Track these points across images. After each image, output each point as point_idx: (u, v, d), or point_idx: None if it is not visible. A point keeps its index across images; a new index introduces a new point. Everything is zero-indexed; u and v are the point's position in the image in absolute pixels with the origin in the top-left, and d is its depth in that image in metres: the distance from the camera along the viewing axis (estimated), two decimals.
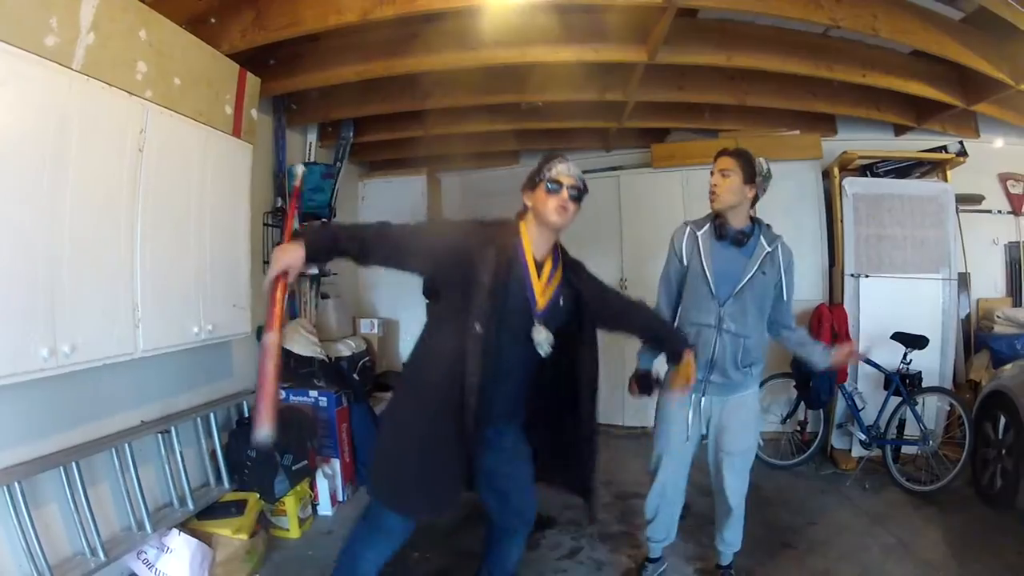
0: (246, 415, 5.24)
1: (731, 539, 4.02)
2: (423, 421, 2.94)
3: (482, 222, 3.16)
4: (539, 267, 3.06)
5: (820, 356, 3.99)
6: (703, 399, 3.82)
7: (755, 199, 3.74)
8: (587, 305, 3.18)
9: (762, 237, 3.72)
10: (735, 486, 3.87)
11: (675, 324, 3.91)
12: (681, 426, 3.84)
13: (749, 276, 3.63)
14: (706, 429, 3.91)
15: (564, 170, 3.06)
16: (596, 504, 3.54)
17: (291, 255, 2.64)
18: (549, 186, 3.02)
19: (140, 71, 3.68)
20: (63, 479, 3.54)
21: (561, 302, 3.10)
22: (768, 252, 3.68)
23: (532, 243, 3.07)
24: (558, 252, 3.20)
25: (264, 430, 2.55)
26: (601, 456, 3.36)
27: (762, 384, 6.38)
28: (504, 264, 2.90)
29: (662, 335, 3.64)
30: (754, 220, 3.79)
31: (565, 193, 3.01)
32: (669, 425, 3.90)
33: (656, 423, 4.04)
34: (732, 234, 3.68)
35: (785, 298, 3.79)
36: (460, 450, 2.92)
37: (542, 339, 2.95)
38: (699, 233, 3.78)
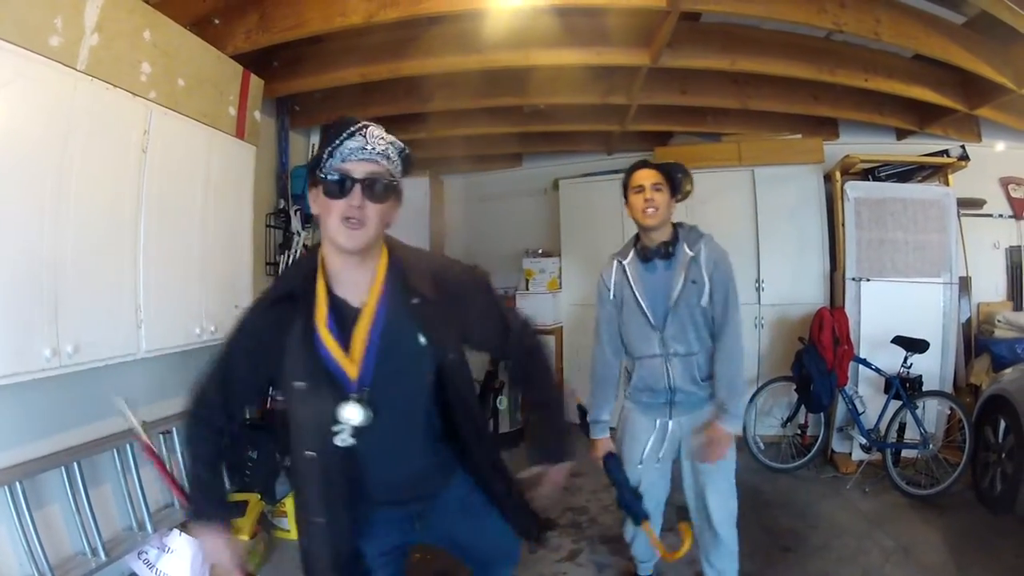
0: (248, 416, 5.22)
1: (724, 568, 3.68)
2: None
3: (275, 281, 2.42)
4: (350, 314, 2.05)
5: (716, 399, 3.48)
6: (670, 423, 3.59)
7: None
8: (435, 319, 2.13)
9: (684, 244, 3.46)
10: (721, 506, 3.55)
11: (621, 367, 3.74)
12: (650, 455, 3.62)
13: (678, 289, 3.38)
14: (677, 453, 3.67)
15: (355, 148, 1.93)
16: (533, 528, 2.53)
17: (216, 553, 2.16)
18: (329, 182, 1.92)
19: (144, 72, 3.69)
20: (64, 479, 3.56)
21: (415, 337, 2.10)
22: (691, 257, 3.41)
23: (338, 275, 2.06)
24: (381, 272, 2.10)
25: None
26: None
27: (763, 387, 6.45)
28: (301, 343, 2.02)
29: (528, 374, 2.52)
30: (675, 227, 3.57)
31: (357, 194, 1.91)
32: (637, 455, 3.64)
33: (623, 458, 3.68)
34: (656, 251, 3.48)
35: (718, 307, 3.39)
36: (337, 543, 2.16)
37: (351, 417, 2.00)
38: (625, 263, 3.60)
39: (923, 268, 6.41)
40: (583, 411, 3.81)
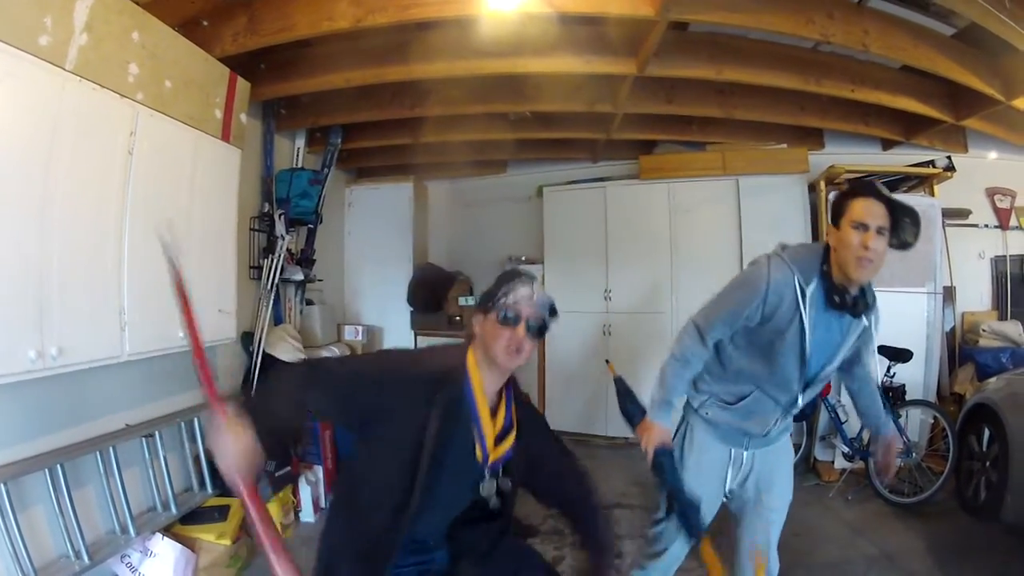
0: None
1: None
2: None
3: (426, 352, 2.58)
4: (492, 410, 2.44)
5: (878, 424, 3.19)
6: (745, 454, 3.06)
7: None
8: (527, 458, 2.53)
9: (868, 295, 2.85)
10: (774, 544, 3.12)
11: (716, 365, 3.10)
12: (716, 487, 3.09)
13: (847, 349, 2.85)
14: (738, 486, 3.13)
15: (525, 296, 2.39)
16: None
17: (239, 454, 2.05)
18: (504, 316, 2.34)
19: (132, 73, 3.69)
20: (48, 481, 3.53)
21: (514, 445, 2.47)
22: (864, 328, 2.86)
23: (483, 380, 2.41)
24: (511, 389, 2.54)
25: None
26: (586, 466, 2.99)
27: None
28: (452, 407, 2.32)
29: (589, 529, 2.71)
30: None
31: (522, 329, 2.34)
32: (702, 483, 3.02)
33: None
34: (851, 299, 2.78)
35: (860, 354, 3.05)
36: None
37: (490, 493, 2.41)
38: (808, 290, 2.74)
39: (907, 278, 6.43)
40: (622, 385, 3.28)
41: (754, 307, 2.78)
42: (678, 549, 3.19)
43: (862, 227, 2.62)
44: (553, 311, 2.46)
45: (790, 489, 3.17)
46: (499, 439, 2.42)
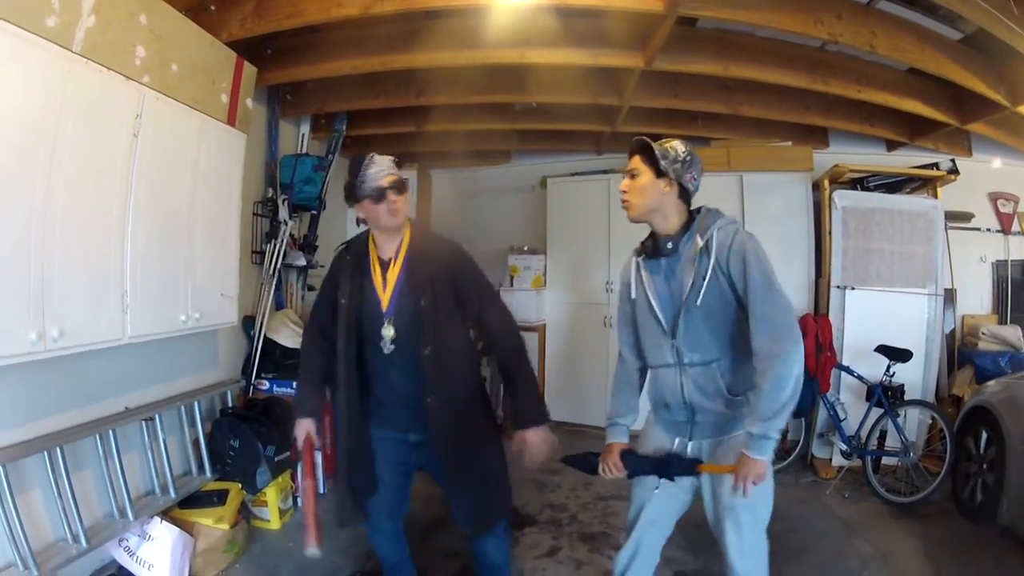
0: (230, 404, 5.25)
1: None
2: (342, 432, 3.20)
3: (346, 244, 3.34)
4: (386, 266, 3.13)
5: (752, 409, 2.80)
6: (689, 444, 2.98)
7: (684, 193, 2.91)
8: (427, 293, 3.04)
9: (697, 235, 2.86)
10: (742, 550, 2.97)
11: (645, 376, 3.23)
12: (652, 481, 3.06)
13: (690, 286, 2.79)
14: (697, 483, 3.04)
15: (376, 172, 2.98)
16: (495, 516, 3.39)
17: (297, 429, 3.27)
18: (372, 196, 2.98)
19: (139, 56, 3.67)
20: (47, 464, 3.53)
21: (409, 289, 3.07)
22: (700, 248, 2.80)
23: (379, 247, 3.16)
24: (405, 244, 3.16)
25: (313, 548, 3.20)
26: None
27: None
28: (356, 274, 3.14)
29: (510, 369, 3.27)
30: (691, 215, 2.96)
31: (392, 195, 2.98)
32: (641, 481, 3.13)
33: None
34: (659, 246, 2.92)
35: (743, 300, 2.75)
36: (363, 456, 3.25)
37: (387, 336, 3.07)
38: (640, 259, 3.05)
39: (908, 279, 6.45)
40: (568, 459, 3.26)
41: (624, 297, 3.18)
42: (650, 547, 3.25)
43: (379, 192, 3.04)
44: (398, 164, 3.06)
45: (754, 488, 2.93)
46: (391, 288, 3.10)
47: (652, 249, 2.96)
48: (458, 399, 3.15)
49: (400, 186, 3.00)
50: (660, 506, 3.11)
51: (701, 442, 2.97)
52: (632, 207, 2.95)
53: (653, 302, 2.93)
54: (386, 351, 3.06)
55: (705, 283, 2.76)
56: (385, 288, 3.08)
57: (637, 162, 2.95)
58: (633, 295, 3.05)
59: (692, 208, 2.99)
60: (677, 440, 3.01)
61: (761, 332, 2.66)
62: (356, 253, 3.18)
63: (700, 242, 2.81)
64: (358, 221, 3.13)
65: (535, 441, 3.17)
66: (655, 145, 2.89)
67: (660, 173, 2.86)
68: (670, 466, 2.95)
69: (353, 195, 3.01)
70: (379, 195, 2.94)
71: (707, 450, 2.96)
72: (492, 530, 3.37)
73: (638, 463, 3.06)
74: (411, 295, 3.05)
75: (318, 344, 3.31)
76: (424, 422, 3.09)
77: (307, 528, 3.27)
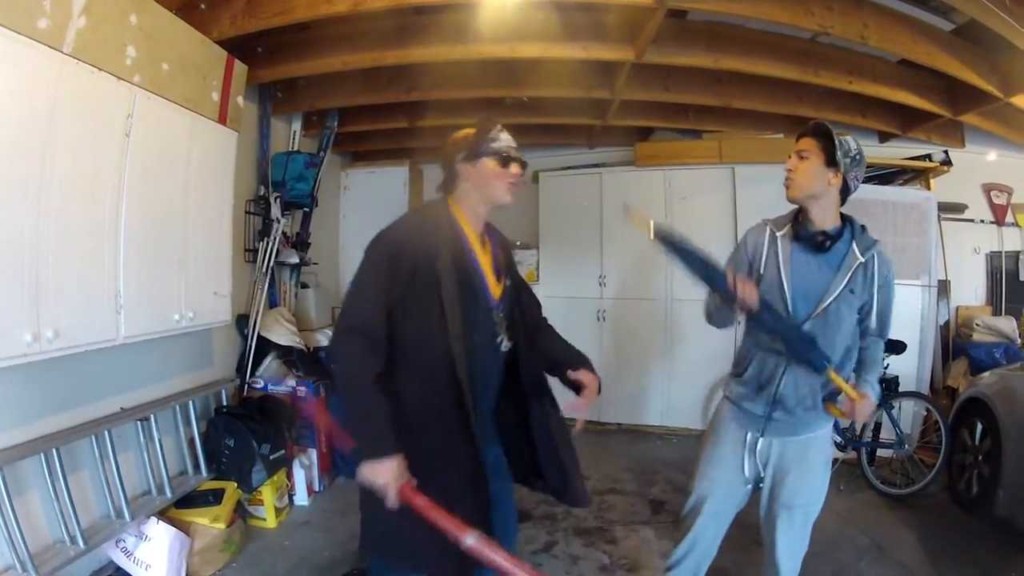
0: (224, 404, 5.26)
1: None
2: (419, 458, 2.40)
3: (403, 223, 2.72)
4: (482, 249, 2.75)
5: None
6: (760, 440, 3.03)
7: (844, 190, 2.90)
8: (516, 286, 2.87)
9: (854, 243, 2.90)
10: (790, 547, 3.07)
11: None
12: (733, 472, 3.09)
13: (836, 294, 2.84)
14: (762, 474, 3.08)
15: (509, 140, 2.71)
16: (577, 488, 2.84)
17: (389, 478, 2.26)
18: (501, 157, 2.65)
19: (129, 56, 3.66)
20: (44, 466, 3.53)
21: (508, 282, 2.79)
22: (861, 264, 2.87)
23: (471, 225, 2.71)
24: (490, 228, 2.86)
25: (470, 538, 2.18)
26: (579, 451, 3.03)
27: None
28: (457, 257, 2.57)
29: (555, 338, 3.00)
30: (845, 219, 2.98)
31: (517, 167, 2.69)
32: (718, 467, 3.13)
33: (700, 461, 3.25)
34: (811, 235, 2.91)
35: (874, 325, 2.98)
36: (474, 477, 2.55)
37: (501, 329, 2.70)
38: (779, 235, 3.02)
39: (902, 270, 6.41)
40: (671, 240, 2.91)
41: (740, 260, 3.11)
42: (708, 541, 3.21)
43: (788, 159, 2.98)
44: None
45: (814, 488, 3.03)
46: (497, 278, 2.74)
47: (806, 236, 2.93)
48: (544, 396, 2.86)
49: (523, 167, 2.74)
50: (724, 499, 3.13)
51: (772, 439, 3.03)
52: (796, 186, 2.93)
53: (785, 285, 2.91)
54: (504, 348, 2.72)
55: (853, 297, 2.87)
56: (490, 275, 2.71)
57: (810, 144, 2.92)
58: (762, 268, 3.00)
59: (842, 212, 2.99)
60: (750, 434, 3.06)
61: (879, 345, 3.04)
62: (440, 230, 2.62)
63: (859, 256, 2.88)
64: (449, 184, 2.73)
65: (593, 381, 2.80)
66: (835, 132, 2.86)
67: (831, 162, 2.85)
68: (802, 348, 2.83)
69: (473, 150, 2.67)
70: (506, 160, 2.65)
71: (777, 448, 3.02)
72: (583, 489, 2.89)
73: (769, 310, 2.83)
74: (510, 285, 2.82)
75: (378, 355, 2.44)
76: (498, 435, 2.85)
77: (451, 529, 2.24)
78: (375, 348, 2.42)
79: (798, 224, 2.98)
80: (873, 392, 2.92)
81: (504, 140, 2.69)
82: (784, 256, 2.94)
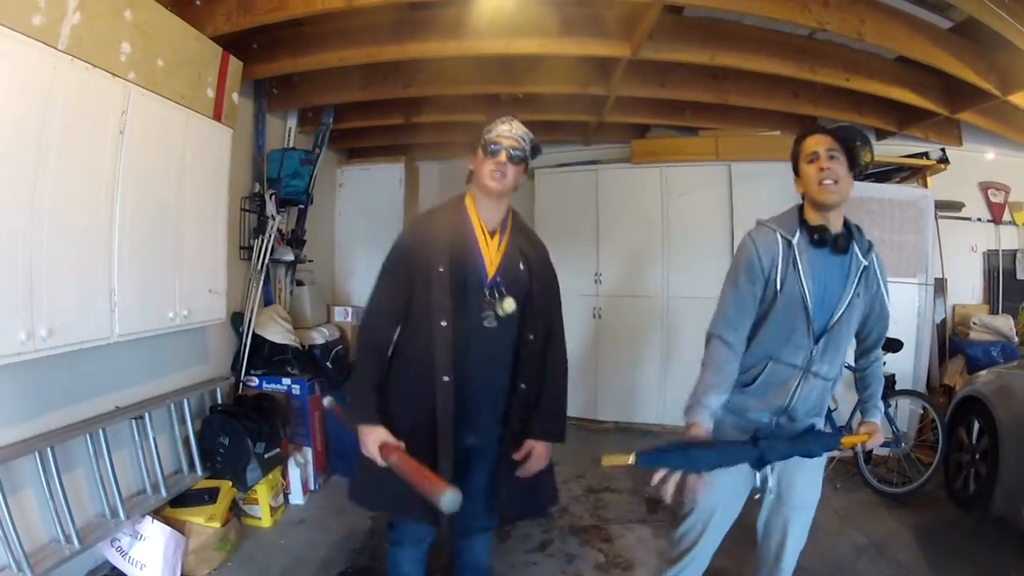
0: (219, 402, 5.23)
1: None
2: (401, 431, 2.76)
3: (423, 215, 3.16)
4: (491, 236, 2.99)
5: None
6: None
7: None
8: (535, 278, 3.04)
9: (855, 245, 2.82)
10: (796, 548, 3.06)
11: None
12: (740, 485, 2.94)
13: (847, 302, 2.77)
14: (769, 482, 2.91)
15: (505, 131, 2.90)
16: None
17: (372, 442, 2.71)
18: (488, 148, 2.89)
19: (124, 52, 3.63)
20: (38, 465, 3.50)
21: (521, 266, 3.01)
22: (864, 267, 2.81)
23: (479, 211, 2.99)
24: (510, 221, 3.10)
25: (446, 496, 2.23)
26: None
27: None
28: (457, 242, 2.91)
29: (551, 384, 3.17)
30: (844, 220, 2.89)
31: (504, 155, 2.87)
32: (723, 482, 2.82)
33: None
34: (832, 238, 2.77)
35: (875, 336, 3.03)
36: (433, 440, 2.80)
37: (505, 306, 2.86)
38: (794, 241, 2.79)
39: (899, 268, 6.45)
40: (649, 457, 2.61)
41: (756, 276, 2.80)
42: (707, 555, 3.14)
43: (815, 156, 2.78)
44: (535, 147, 3.01)
45: (814, 488, 3.04)
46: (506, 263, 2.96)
47: (828, 240, 2.77)
48: (532, 393, 3.06)
49: (518, 160, 2.92)
50: (728, 513, 3.05)
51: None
52: (841, 191, 2.74)
53: (808, 300, 2.72)
54: (488, 324, 2.88)
55: (860, 302, 2.83)
56: (492, 256, 2.94)
57: (832, 143, 2.77)
58: (780, 283, 2.75)
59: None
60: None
61: (875, 344, 3.08)
62: (448, 219, 2.99)
63: (863, 259, 2.82)
64: (469, 177, 3.07)
65: (542, 454, 3.03)
66: (855, 135, 2.84)
67: (853, 164, 2.86)
68: (808, 443, 2.73)
69: (474, 143, 3.00)
70: (493, 151, 2.88)
71: (778, 463, 2.89)
72: (544, 511, 3.46)
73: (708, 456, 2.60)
74: (523, 271, 3.01)
75: (379, 358, 2.93)
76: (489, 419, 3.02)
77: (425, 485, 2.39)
78: (380, 364, 2.93)
79: (817, 228, 2.78)
80: (879, 412, 3.05)
81: (498, 131, 2.90)
82: (804, 267, 2.73)
